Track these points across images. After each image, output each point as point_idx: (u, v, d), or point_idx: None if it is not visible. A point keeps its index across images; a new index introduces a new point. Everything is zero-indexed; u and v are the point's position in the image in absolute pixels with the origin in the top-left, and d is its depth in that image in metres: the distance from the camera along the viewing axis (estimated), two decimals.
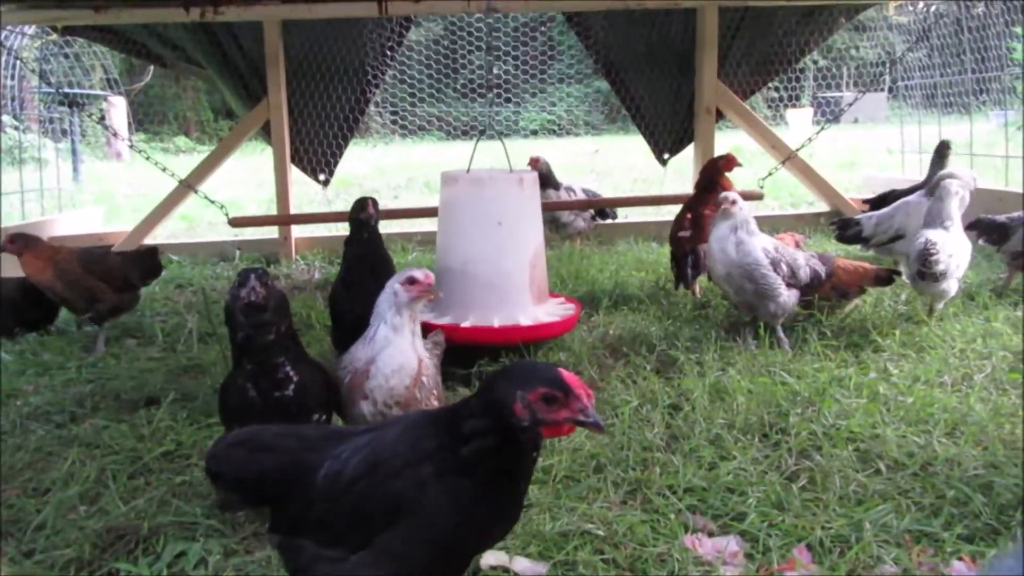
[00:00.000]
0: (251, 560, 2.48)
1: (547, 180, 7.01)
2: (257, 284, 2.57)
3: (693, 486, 2.81)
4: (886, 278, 4.64)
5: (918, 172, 6.89)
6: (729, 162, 5.49)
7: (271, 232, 7.87)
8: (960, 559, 2.37)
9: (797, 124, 18.48)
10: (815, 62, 14.51)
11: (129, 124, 17.66)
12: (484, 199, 4.36)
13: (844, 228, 6.07)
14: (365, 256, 3.83)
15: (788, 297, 4.30)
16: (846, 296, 4.61)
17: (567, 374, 1.79)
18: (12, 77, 9.24)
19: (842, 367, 3.92)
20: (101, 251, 5.08)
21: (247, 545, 2.56)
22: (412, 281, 2.80)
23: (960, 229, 4.67)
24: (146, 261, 5.12)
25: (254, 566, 2.45)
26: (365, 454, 1.87)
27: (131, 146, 7.92)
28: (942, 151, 6.48)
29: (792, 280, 4.31)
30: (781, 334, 4.36)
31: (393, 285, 2.83)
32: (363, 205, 3.93)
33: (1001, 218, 5.15)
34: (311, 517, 1.88)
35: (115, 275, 4.83)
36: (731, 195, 4.36)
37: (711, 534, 2.54)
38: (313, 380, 2.75)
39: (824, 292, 4.55)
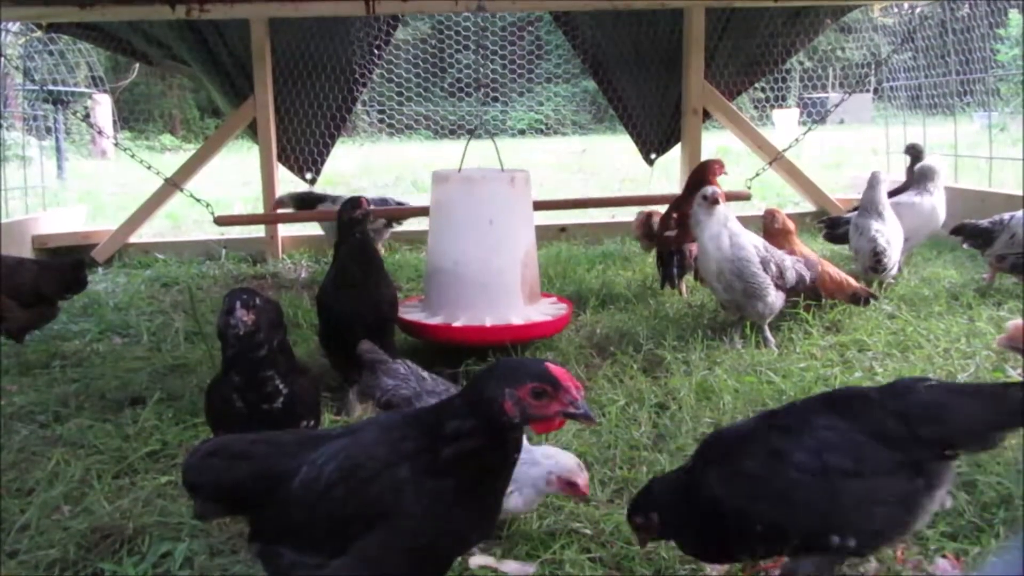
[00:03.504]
0: (237, 560, 2.47)
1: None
2: (243, 313, 2.49)
3: None
4: (864, 299, 4.70)
5: (903, 173, 6.93)
6: (720, 167, 5.52)
7: (258, 231, 7.84)
8: (944, 557, 2.39)
9: (783, 125, 18.54)
10: (801, 63, 14.54)
11: (114, 122, 17.52)
12: (475, 198, 4.35)
13: (833, 227, 6.11)
14: (356, 256, 3.82)
15: (776, 298, 4.32)
16: (818, 297, 4.69)
17: (554, 367, 1.78)
18: None
19: (828, 366, 3.94)
20: (13, 261, 4.65)
21: (233, 544, 2.56)
22: (571, 484, 2.54)
23: (890, 210, 5.31)
24: (67, 274, 4.71)
25: (240, 566, 2.44)
26: (341, 459, 1.85)
27: (116, 144, 7.88)
28: (915, 153, 6.59)
29: (779, 281, 4.34)
30: (767, 333, 4.39)
31: (552, 475, 2.53)
32: (355, 204, 3.89)
33: (984, 223, 5.20)
34: (289, 524, 1.87)
35: (25, 289, 4.48)
36: (714, 191, 4.34)
37: None
38: (304, 391, 2.73)
39: (806, 294, 4.63)
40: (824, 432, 2.08)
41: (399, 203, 7.42)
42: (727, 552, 2.23)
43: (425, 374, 2.99)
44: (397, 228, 7.48)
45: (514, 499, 2.49)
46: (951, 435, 2.03)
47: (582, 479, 2.54)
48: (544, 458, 2.54)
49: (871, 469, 2.02)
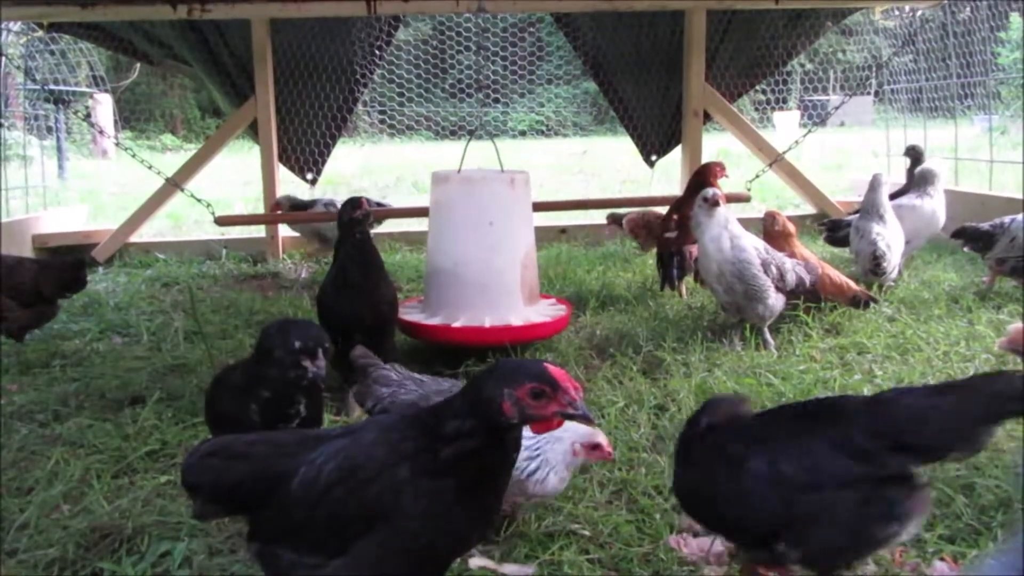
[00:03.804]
0: (236, 559, 2.47)
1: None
2: (323, 363, 2.60)
3: None
4: (863, 303, 4.70)
5: (904, 175, 6.94)
6: (721, 169, 5.52)
7: (258, 231, 7.85)
8: (942, 559, 2.39)
9: (784, 127, 18.57)
10: (802, 65, 14.60)
11: (115, 121, 17.53)
12: (475, 199, 4.35)
13: (834, 229, 6.10)
14: (356, 257, 3.82)
15: (776, 300, 4.32)
16: (818, 300, 4.70)
17: (554, 368, 1.78)
18: None
19: (827, 369, 3.94)
20: (12, 260, 4.61)
21: (232, 544, 2.56)
22: (595, 447, 2.59)
23: (891, 213, 5.31)
24: (67, 274, 4.65)
25: (239, 565, 2.44)
26: (340, 460, 1.85)
27: (117, 144, 7.87)
28: (916, 156, 6.59)
29: (780, 283, 4.33)
30: (767, 336, 4.39)
31: (575, 444, 2.58)
32: (356, 204, 3.89)
33: (985, 226, 5.20)
34: (288, 524, 1.87)
35: (24, 288, 4.45)
36: (714, 193, 4.34)
37: (696, 534, 2.55)
38: (317, 410, 2.77)
39: (806, 297, 4.63)
40: (788, 442, 2.07)
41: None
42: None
43: (419, 375, 2.96)
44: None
45: (551, 480, 2.53)
46: (939, 438, 1.97)
47: (603, 439, 2.59)
48: (563, 432, 2.53)
49: (830, 482, 1.99)
